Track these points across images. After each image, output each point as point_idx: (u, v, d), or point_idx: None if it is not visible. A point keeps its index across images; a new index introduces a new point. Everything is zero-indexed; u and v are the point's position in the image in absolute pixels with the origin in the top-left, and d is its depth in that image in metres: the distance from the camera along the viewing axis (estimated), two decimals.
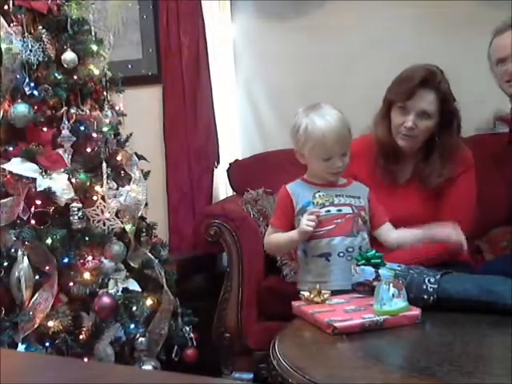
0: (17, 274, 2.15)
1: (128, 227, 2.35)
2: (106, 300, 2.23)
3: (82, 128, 2.33)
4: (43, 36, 2.28)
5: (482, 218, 2.43)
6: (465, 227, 2.18)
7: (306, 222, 1.91)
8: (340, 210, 1.98)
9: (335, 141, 1.93)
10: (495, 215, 2.67)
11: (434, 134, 2.17)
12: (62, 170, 2.24)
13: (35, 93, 2.26)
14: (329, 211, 1.97)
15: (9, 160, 2.23)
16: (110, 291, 2.26)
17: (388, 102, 2.18)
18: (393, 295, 1.65)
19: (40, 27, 2.31)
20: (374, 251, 1.85)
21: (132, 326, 2.31)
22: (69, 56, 2.31)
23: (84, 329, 2.22)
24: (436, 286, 1.78)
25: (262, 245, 2.17)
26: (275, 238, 2.03)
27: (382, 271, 1.81)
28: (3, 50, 2.22)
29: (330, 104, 2.00)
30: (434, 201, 2.17)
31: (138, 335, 2.33)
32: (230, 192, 3.12)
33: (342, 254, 1.94)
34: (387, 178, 2.22)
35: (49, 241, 2.17)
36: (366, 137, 2.23)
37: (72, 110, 2.32)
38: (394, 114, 2.17)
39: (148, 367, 2.32)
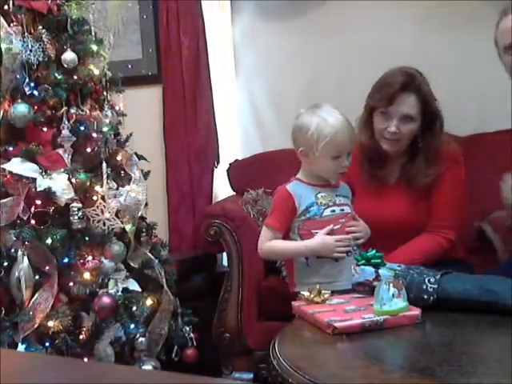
0: (17, 273, 2.15)
1: (128, 227, 2.35)
2: (106, 300, 2.23)
3: (82, 128, 2.33)
4: (43, 36, 2.28)
5: (485, 200, 2.40)
6: (455, 222, 2.18)
7: (341, 249, 1.91)
8: (343, 210, 1.98)
9: (347, 137, 1.93)
10: (498, 198, 2.64)
11: (417, 136, 2.16)
12: (62, 170, 2.24)
13: (35, 93, 2.26)
14: (334, 211, 1.96)
15: (9, 160, 2.23)
16: (110, 291, 2.26)
17: (370, 108, 2.18)
18: (393, 295, 1.65)
19: (40, 27, 2.31)
20: (374, 251, 1.85)
21: (132, 326, 2.31)
22: (69, 56, 2.31)
23: (84, 329, 2.22)
24: (436, 286, 1.78)
25: None
26: (279, 246, 1.99)
27: (382, 271, 1.81)
28: (3, 49, 2.22)
29: (329, 104, 2.00)
30: (423, 200, 2.17)
31: (138, 335, 2.33)
32: (230, 192, 3.12)
33: (349, 254, 1.94)
34: (375, 182, 2.22)
35: (49, 241, 2.17)
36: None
37: (72, 110, 2.32)
38: (376, 120, 2.16)
39: (148, 367, 2.32)
